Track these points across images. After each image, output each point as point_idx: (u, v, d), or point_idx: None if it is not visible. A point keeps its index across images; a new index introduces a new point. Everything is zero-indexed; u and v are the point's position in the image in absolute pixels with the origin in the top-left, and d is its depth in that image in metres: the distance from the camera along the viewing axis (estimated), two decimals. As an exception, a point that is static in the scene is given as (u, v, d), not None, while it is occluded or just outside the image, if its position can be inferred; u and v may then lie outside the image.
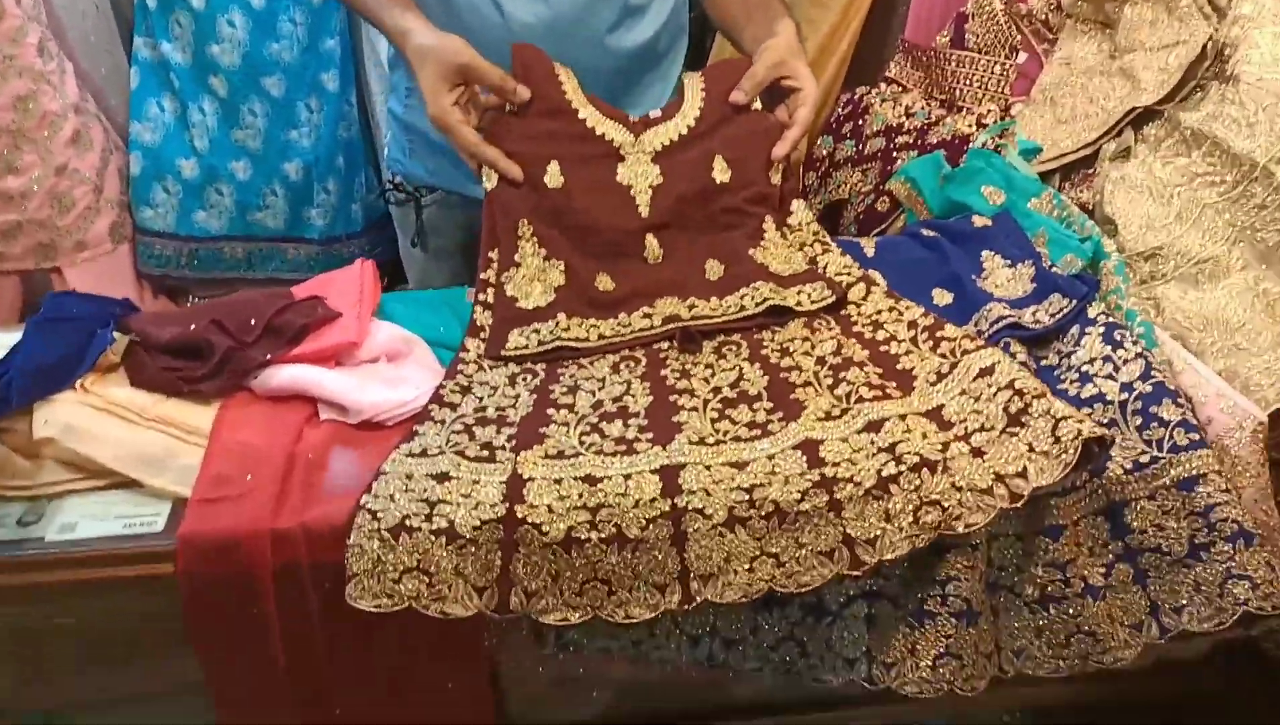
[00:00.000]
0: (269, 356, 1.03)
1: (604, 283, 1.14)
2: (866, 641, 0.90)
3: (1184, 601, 0.87)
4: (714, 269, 1.16)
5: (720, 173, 1.19)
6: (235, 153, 1.92)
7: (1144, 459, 0.90)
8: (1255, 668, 1.04)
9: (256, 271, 2.01)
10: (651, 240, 1.17)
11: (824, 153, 1.61)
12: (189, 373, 1.01)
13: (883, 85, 1.64)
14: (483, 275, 1.15)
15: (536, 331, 1.10)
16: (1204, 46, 1.11)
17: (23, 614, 0.90)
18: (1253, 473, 0.89)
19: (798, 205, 1.22)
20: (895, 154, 1.49)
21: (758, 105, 1.23)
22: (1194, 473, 0.88)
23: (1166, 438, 0.90)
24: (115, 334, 1.02)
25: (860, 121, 1.59)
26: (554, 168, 1.17)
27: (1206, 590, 0.86)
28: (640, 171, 1.19)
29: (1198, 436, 0.89)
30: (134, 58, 1.87)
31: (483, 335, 1.11)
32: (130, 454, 0.95)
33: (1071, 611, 0.90)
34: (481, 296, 1.13)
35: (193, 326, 1.03)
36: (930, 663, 0.87)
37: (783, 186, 1.22)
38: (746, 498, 0.88)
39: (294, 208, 1.97)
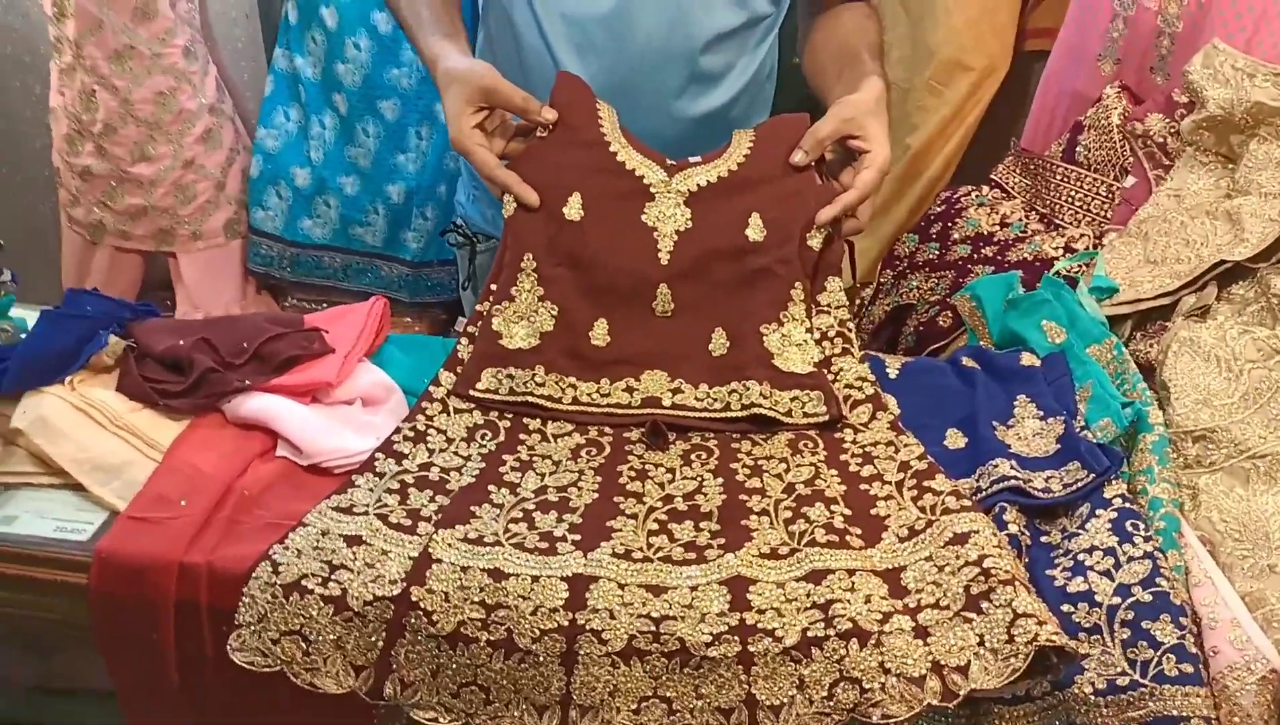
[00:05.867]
0: (247, 382, 1.04)
1: (598, 334, 1.08)
2: (761, 818, 0.80)
3: None
4: (719, 342, 1.08)
5: (755, 231, 1.10)
6: (346, 168, 1.99)
7: (1122, 682, 0.76)
8: None
9: (351, 283, 2.08)
10: (665, 291, 1.10)
11: (906, 251, 1.50)
12: (166, 386, 1.03)
13: (985, 188, 1.51)
14: (479, 306, 1.11)
15: (511, 377, 1.05)
16: (1314, 203, 0.95)
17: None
18: (1252, 728, 0.73)
19: (834, 282, 1.11)
20: (972, 267, 1.37)
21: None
22: (1176, 713, 0.73)
23: (1154, 662, 0.76)
24: (111, 337, 1.05)
25: (950, 224, 1.47)
26: (575, 200, 1.11)
27: None
28: (668, 213, 1.11)
29: (1192, 669, 0.75)
30: (271, 67, 1.98)
31: (459, 368, 1.07)
32: (87, 458, 0.97)
33: (1001, 846, 0.77)
34: (470, 328, 1.10)
35: (182, 342, 1.05)
36: None
37: (822, 256, 1.11)
38: (653, 629, 0.81)
39: (392, 228, 2.02)
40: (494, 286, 1.12)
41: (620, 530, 0.89)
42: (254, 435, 1.02)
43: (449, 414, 1.04)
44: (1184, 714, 0.73)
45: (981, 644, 0.77)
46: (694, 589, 0.84)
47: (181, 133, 1.92)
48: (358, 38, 1.89)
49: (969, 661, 0.76)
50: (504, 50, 1.31)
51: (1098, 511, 0.86)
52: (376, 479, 0.96)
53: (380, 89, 1.92)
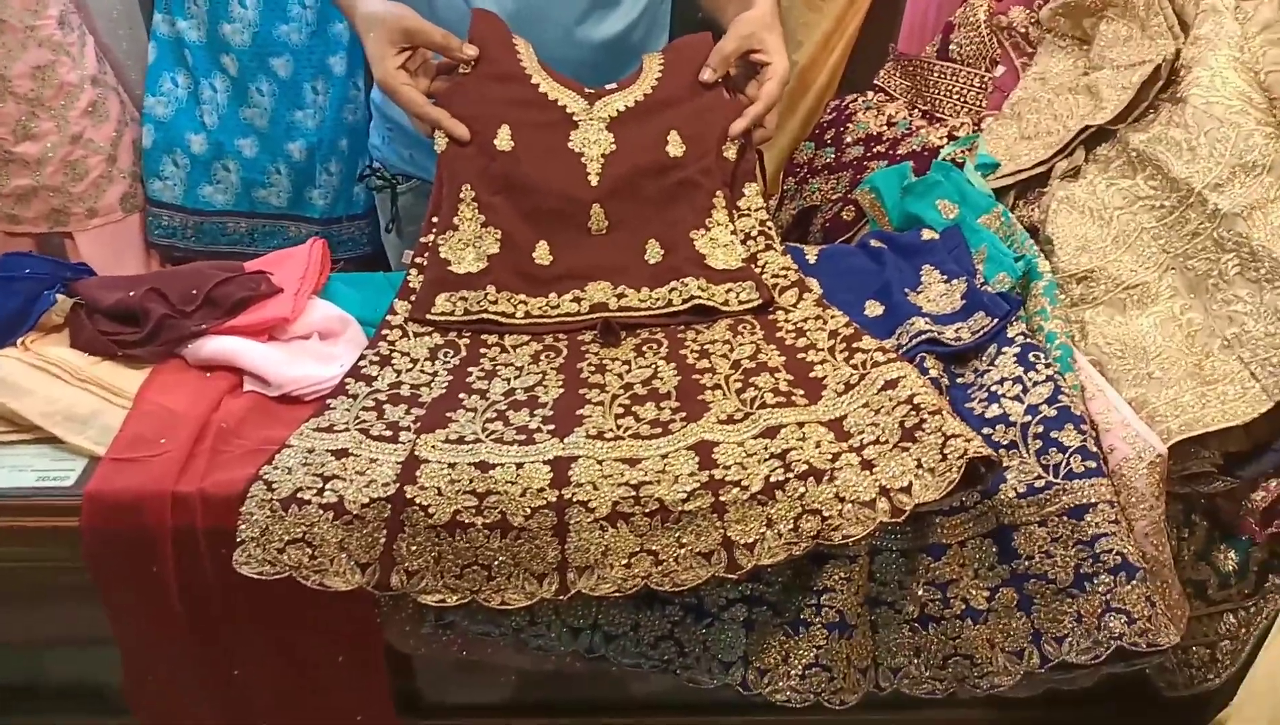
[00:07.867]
0: (203, 326, 1.07)
1: (541, 254, 1.15)
2: (744, 646, 0.90)
3: (1065, 632, 0.85)
4: (654, 251, 1.17)
5: (675, 147, 1.19)
6: (243, 130, 1.97)
7: (1038, 483, 0.89)
8: (1151, 709, 1.01)
9: (259, 246, 2.05)
10: (598, 210, 1.18)
11: (805, 158, 1.61)
12: (124, 337, 1.05)
13: (870, 93, 1.62)
14: (423, 238, 1.16)
15: (464, 299, 1.11)
16: (1158, 66, 1.08)
17: (-58, 555, 0.94)
18: (1146, 505, 0.87)
19: (751, 188, 1.22)
20: (867, 163, 1.48)
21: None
22: (1085, 501, 0.86)
23: (1064, 463, 0.88)
24: (58, 296, 1.06)
25: (842, 129, 1.58)
26: (504, 131, 1.17)
27: (1086, 622, 0.84)
28: (593, 139, 1.19)
29: (1095, 464, 0.88)
30: (152, 33, 1.93)
31: (412, 297, 1.13)
32: (56, 411, 0.99)
33: (950, 632, 0.89)
34: (419, 259, 1.15)
35: (132, 293, 1.07)
36: (800, 672, 0.87)
37: (737, 165, 1.21)
38: (633, 494, 0.89)
39: (297, 187, 2.01)
40: (435, 219, 1.17)
41: (590, 417, 0.97)
42: (219, 375, 1.05)
43: (409, 338, 1.10)
44: (1092, 501, 0.86)
45: (919, 466, 0.88)
46: (664, 457, 0.92)
47: (65, 107, 1.85)
48: (242, -5, 1.86)
49: (910, 482, 0.87)
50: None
51: (1004, 349, 0.99)
52: (350, 400, 1.01)
53: (271, 46, 1.90)
